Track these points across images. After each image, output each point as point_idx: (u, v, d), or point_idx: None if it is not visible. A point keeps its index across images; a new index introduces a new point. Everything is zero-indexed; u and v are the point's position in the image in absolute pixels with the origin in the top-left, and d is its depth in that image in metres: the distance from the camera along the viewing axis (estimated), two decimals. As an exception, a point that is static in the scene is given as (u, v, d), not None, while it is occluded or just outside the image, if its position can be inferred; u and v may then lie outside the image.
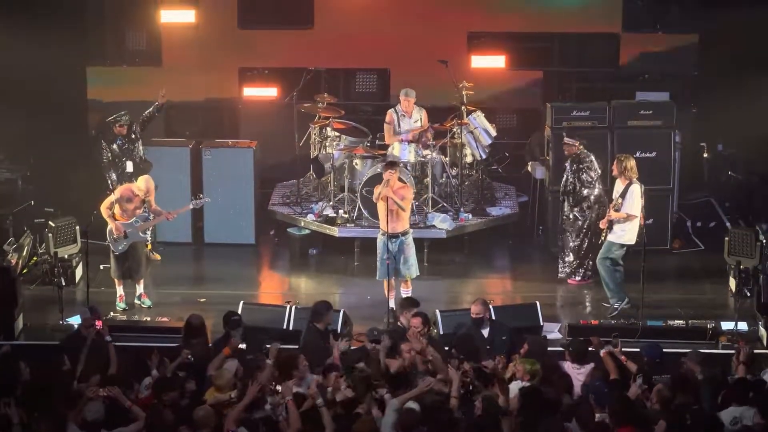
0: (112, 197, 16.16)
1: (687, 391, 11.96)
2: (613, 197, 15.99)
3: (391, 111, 18.53)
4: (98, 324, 13.69)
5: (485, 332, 14.10)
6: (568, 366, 13.06)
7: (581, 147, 16.81)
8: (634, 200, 15.73)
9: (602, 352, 13.12)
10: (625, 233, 15.82)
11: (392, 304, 15.64)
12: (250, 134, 19.79)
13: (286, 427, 11.55)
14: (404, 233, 15.67)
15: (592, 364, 13.01)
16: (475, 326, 14.14)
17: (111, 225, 16.03)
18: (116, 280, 16.23)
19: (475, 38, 20.20)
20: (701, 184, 20.19)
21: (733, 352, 13.41)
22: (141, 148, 17.94)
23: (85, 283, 15.96)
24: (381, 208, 15.63)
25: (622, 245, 15.88)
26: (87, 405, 11.64)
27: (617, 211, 15.77)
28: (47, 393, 11.84)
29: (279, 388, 12.10)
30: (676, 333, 15.16)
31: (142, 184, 16.20)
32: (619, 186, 15.93)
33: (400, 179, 15.94)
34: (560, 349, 13.82)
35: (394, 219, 15.54)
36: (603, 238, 16.02)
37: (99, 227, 16.27)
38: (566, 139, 16.95)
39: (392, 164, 15.82)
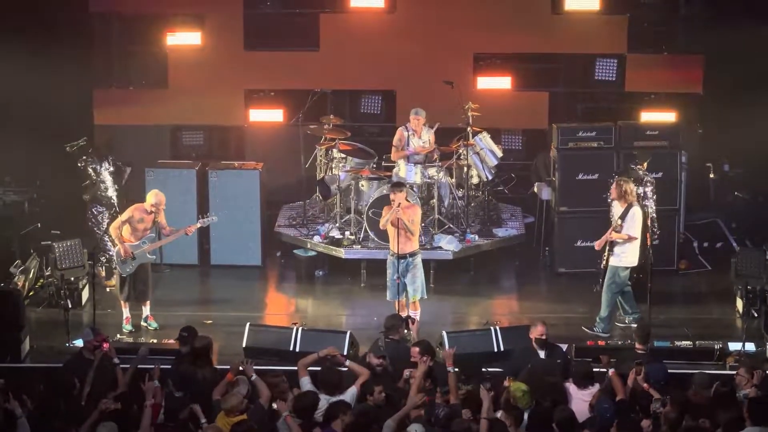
0: (123, 217, 16.12)
1: (693, 412, 11.93)
2: (612, 219, 16.00)
3: (401, 129, 18.50)
4: (105, 346, 13.68)
5: (542, 354, 14.04)
6: (573, 388, 13.04)
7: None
8: (635, 222, 15.75)
9: (611, 372, 13.09)
10: (627, 255, 15.83)
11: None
12: (256, 156, 19.82)
13: None
14: (412, 254, 15.63)
15: (597, 386, 12.98)
16: (536, 346, 14.09)
17: (119, 247, 16.00)
18: (122, 302, 16.21)
19: (481, 59, 20.22)
20: (708, 204, 20.18)
21: (734, 372, 13.35)
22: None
23: (92, 305, 15.96)
24: (390, 228, 15.62)
25: (626, 267, 15.90)
26: (100, 426, 11.66)
27: (618, 233, 15.78)
28: (55, 415, 11.90)
29: (275, 405, 12.25)
30: (683, 354, 15.12)
31: (153, 198, 16.09)
32: (617, 208, 15.93)
33: (407, 199, 15.93)
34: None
35: (403, 240, 15.53)
36: (604, 262, 15.99)
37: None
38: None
39: (398, 185, 15.82)
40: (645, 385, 12.96)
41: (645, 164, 17.18)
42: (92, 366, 13.35)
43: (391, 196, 15.59)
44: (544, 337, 14.04)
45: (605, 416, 12.06)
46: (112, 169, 17.93)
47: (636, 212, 15.78)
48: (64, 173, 19.11)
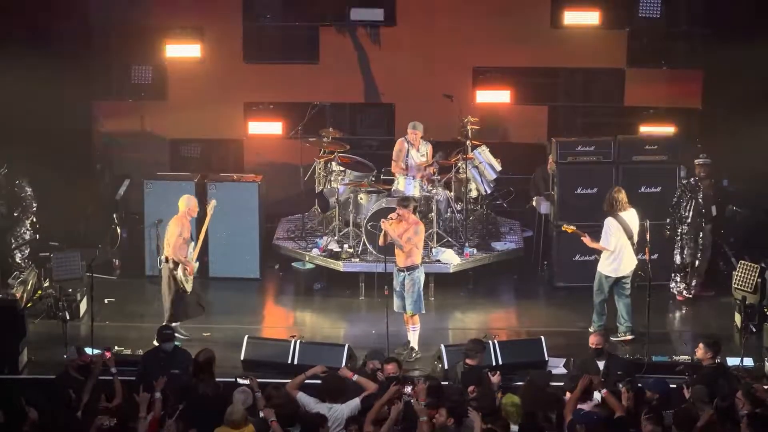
0: (176, 233, 15.88)
1: (688, 426, 11.92)
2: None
3: (401, 140, 18.48)
4: (107, 355, 13.67)
5: (601, 364, 14.04)
6: (571, 401, 13.02)
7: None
8: (606, 233, 15.84)
9: (603, 392, 13.00)
10: (611, 265, 15.86)
11: (408, 337, 15.77)
12: (255, 168, 19.82)
13: None
14: (409, 269, 15.60)
15: (597, 399, 12.95)
16: (593, 357, 14.14)
17: (186, 265, 15.88)
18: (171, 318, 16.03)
19: (481, 73, 20.23)
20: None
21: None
22: None
23: (90, 317, 15.92)
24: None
25: (608, 276, 15.96)
26: None
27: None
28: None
29: (261, 414, 12.33)
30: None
31: (188, 202, 16.09)
32: (628, 216, 16.03)
33: (414, 213, 15.87)
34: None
35: (400, 253, 15.55)
36: None
37: (103, 261, 16.21)
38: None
39: (403, 200, 15.82)
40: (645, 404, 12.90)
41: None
42: (91, 377, 13.33)
43: (398, 211, 15.57)
44: (597, 347, 14.09)
45: (589, 424, 12.04)
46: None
47: (608, 222, 15.86)
48: (63, 185, 19.11)
